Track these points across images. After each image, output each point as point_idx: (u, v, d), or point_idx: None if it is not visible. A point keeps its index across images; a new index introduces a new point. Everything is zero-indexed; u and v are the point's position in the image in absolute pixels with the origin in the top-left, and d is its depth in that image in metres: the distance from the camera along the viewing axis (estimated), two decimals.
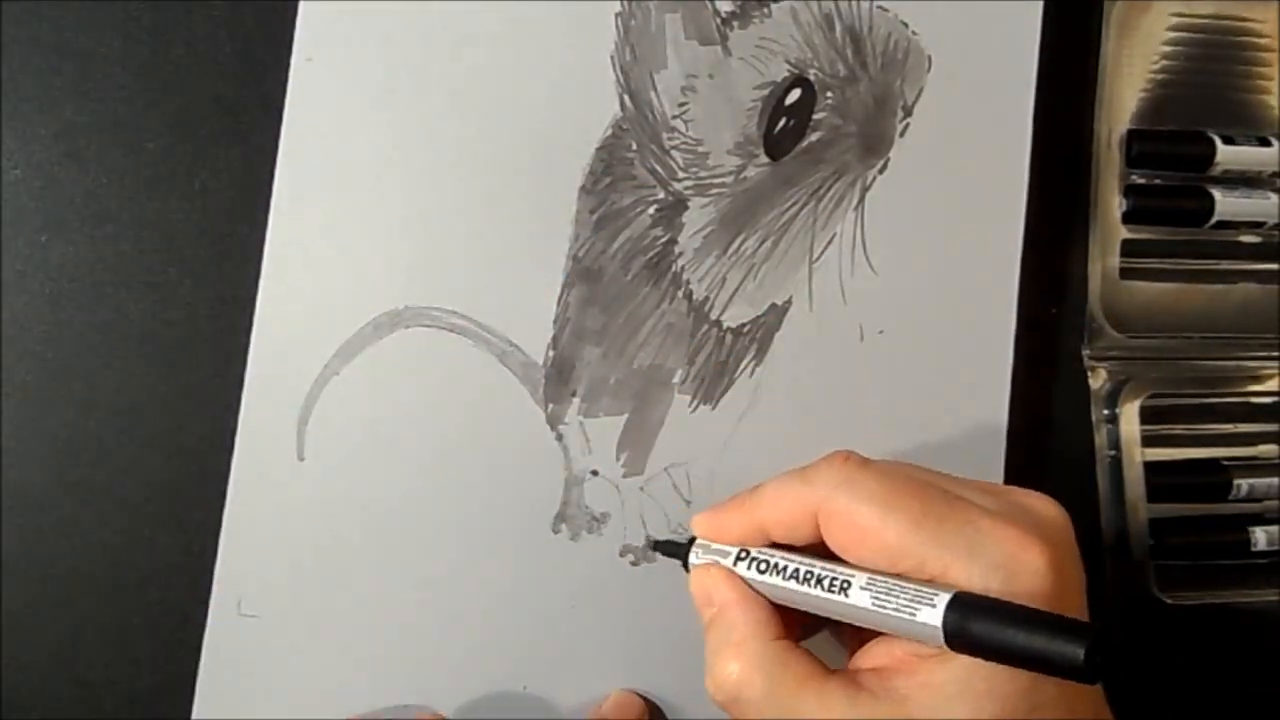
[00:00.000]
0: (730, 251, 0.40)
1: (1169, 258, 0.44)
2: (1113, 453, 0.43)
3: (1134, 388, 0.43)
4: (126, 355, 0.36)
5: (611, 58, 0.38)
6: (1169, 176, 0.44)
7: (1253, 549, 0.42)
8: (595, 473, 0.39)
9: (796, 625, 0.33)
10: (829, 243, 0.40)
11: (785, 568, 0.31)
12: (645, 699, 0.39)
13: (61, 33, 0.35)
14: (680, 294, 0.39)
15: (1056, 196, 0.42)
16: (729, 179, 0.39)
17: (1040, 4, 0.41)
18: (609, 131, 0.38)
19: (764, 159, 0.39)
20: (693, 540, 0.35)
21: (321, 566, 0.37)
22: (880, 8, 0.40)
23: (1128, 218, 0.43)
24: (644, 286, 0.39)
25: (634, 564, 0.39)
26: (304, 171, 0.36)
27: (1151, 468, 0.43)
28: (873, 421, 0.41)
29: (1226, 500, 0.43)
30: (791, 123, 0.39)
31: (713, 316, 0.40)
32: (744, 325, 0.40)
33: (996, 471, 0.41)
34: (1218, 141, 0.43)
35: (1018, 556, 0.28)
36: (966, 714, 0.28)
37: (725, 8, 0.39)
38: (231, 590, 0.36)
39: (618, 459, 0.39)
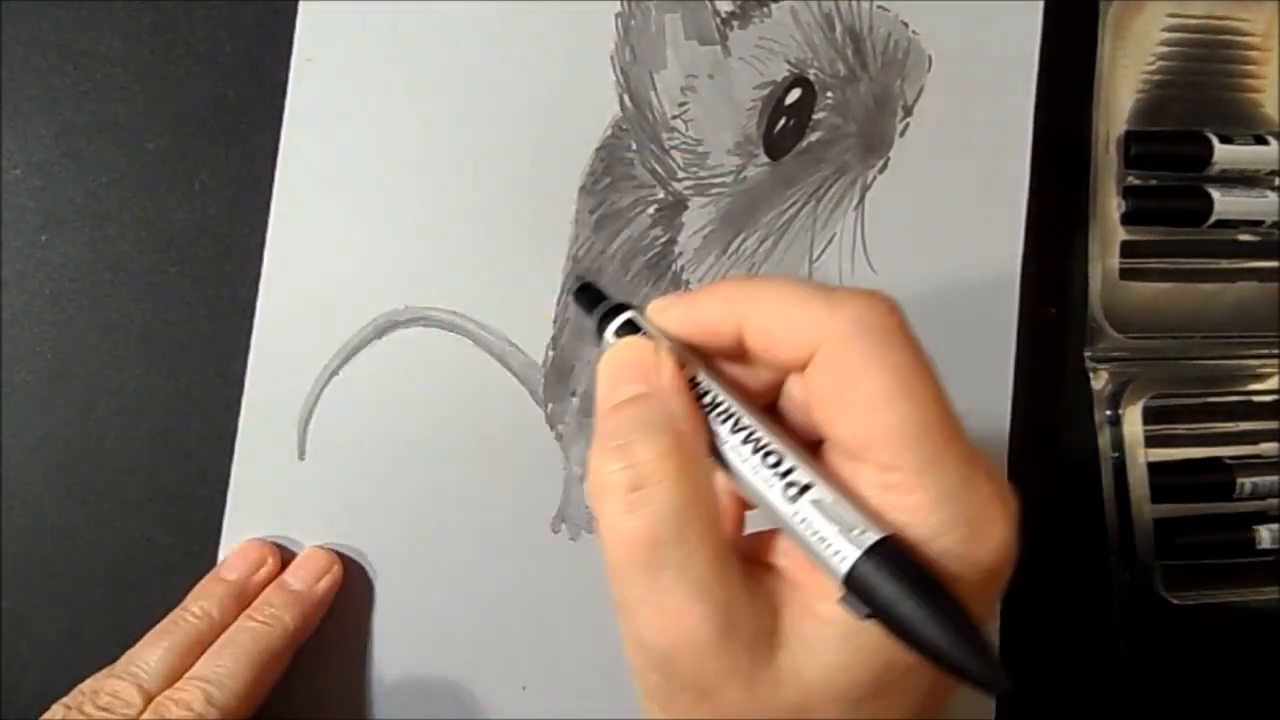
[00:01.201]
0: (730, 251, 0.39)
1: (1168, 258, 0.44)
2: (1116, 454, 0.43)
3: (1136, 389, 0.43)
4: (126, 355, 0.36)
5: (611, 58, 0.38)
6: (1167, 177, 0.44)
7: (1257, 547, 0.42)
8: None
9: None
10: (829, 242, 0.40)
11: (740, 423, 0.24)
12: (278, 546, 0.36)
13: (61, 33, 0.35)
14: None
15: (1056, 197, 0.42)
16: (729, 179, 0.39)
17: (1040, 4, 0.41)
18: (609, 131, 0.38)
19: (764, 159, 0.39)
20: (623, 306, 0.27)
21: None
22: (880, 8, 0.40)
23: (1127, 219, 0.43)
24: (644, 286, 0.39)
25: None
26: (304, 171, 0.36)
27: (1155, 468, 0.43)
28: None
29: (1230, 499, 0.43)
30: (791, 122, 0.39)
31: None
32: None
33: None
34: (1215, 141, 0.43)
35: (985, 517, 0.23)
36: (842, 661, 0.23)
37: (725, 8, 0.39)
38: None
39: None
